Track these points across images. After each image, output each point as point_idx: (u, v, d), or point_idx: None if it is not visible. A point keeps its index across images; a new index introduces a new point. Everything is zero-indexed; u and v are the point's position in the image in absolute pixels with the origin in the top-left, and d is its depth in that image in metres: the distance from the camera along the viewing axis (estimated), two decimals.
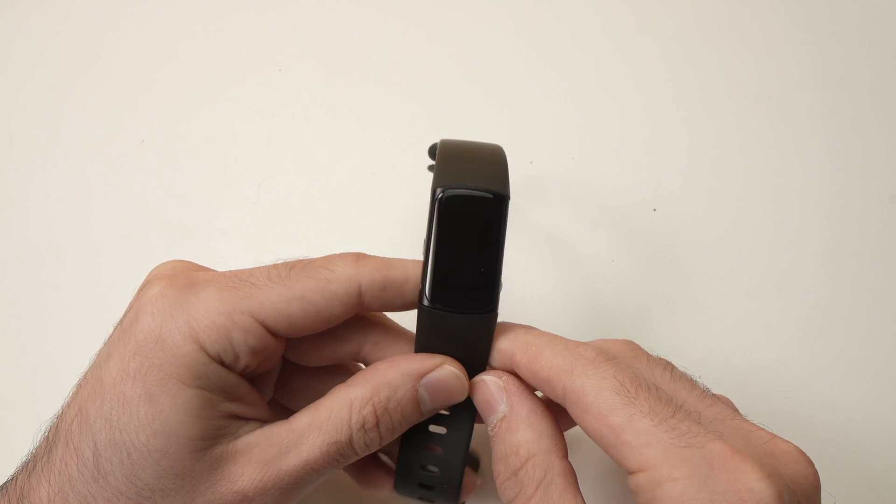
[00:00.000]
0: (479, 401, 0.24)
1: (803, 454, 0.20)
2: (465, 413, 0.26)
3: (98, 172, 0.41)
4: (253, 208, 0.40)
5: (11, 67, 0.46)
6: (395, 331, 0.27)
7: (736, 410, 0.23)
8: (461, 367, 0.24)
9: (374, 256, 0.25)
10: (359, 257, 0.24)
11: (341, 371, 0.27)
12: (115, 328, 0.24)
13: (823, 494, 0.21)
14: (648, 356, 0.24)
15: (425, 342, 0.24)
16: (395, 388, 0.23)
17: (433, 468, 0.26)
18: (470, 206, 0.22)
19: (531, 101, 0.45)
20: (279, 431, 0.23)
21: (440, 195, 0.22)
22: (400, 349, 0.26)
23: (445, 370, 0.24)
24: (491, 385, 0.24)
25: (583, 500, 0.22)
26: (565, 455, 0.23)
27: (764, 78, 0.46)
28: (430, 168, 0.28)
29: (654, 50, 0.47)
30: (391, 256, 0.25)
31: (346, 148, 0.42)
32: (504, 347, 0.24)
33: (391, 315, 0.28)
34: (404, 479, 0.26)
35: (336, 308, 0.23)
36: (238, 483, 0.22)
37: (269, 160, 0.42)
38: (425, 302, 0.23)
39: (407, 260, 0.25)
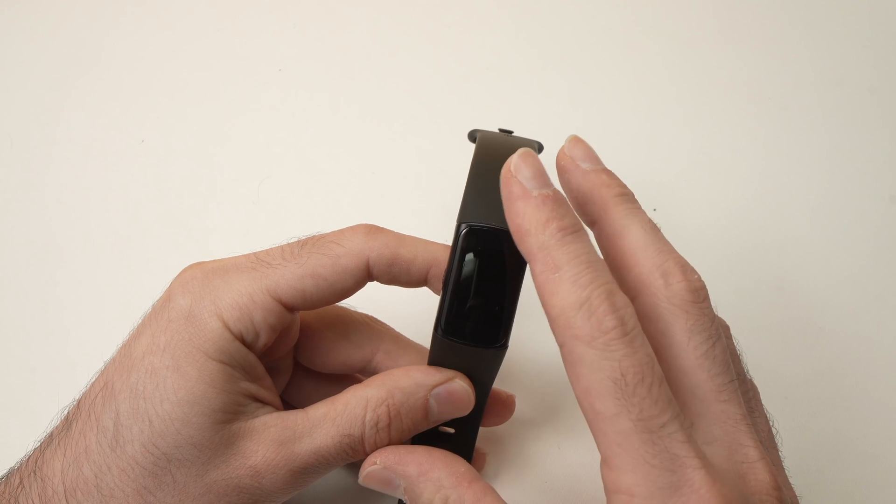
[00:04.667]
0: (378, 487, 0.24)
1: (776, 489, 0.19)
2: (469, 429, 0.27)
3: (98, 172, 0.41)
4: (253, 208, 0.40)
5: (10, 67, 0.46)
6: (405, 343, 0.28)
7: (756, 402, 0.23)
8: (470, 382, 0.25)
9: (387, 231, 0.25)
10: (371, 230, 0.25)
11: (352, 381, 0.28)
12: (148, 312, 0.25)
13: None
14: (701, 314, 0.21)
15: (437, 361, 0.25)
16: (409, 395, 0.24)
17: None
18: (491, 243, 0.22)
19: (531, 100, 0.45)
20: (295, 418, 0.24)
21: (463, 230, 0.22)
22: (409, 360, 0.27)
23: (456, 384, 0.25)
24: (377, 473, 0.24)
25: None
26: (474, 478, 0.22)
27: (764, 78, 0.46)
28: (471, 136, 0.27)
29: (654, 50, 0.47)
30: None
31: (346, 148, 0.42)
32: (528, 246, 0.20)
33: (401, 327, 0.29)
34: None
35: (347, 281, 0.24)
36: (251, 459, 0.23)
37: (269, 160, 0.42)
38: (440, 333, 0.23)
39: (419, 239, 0.25)
